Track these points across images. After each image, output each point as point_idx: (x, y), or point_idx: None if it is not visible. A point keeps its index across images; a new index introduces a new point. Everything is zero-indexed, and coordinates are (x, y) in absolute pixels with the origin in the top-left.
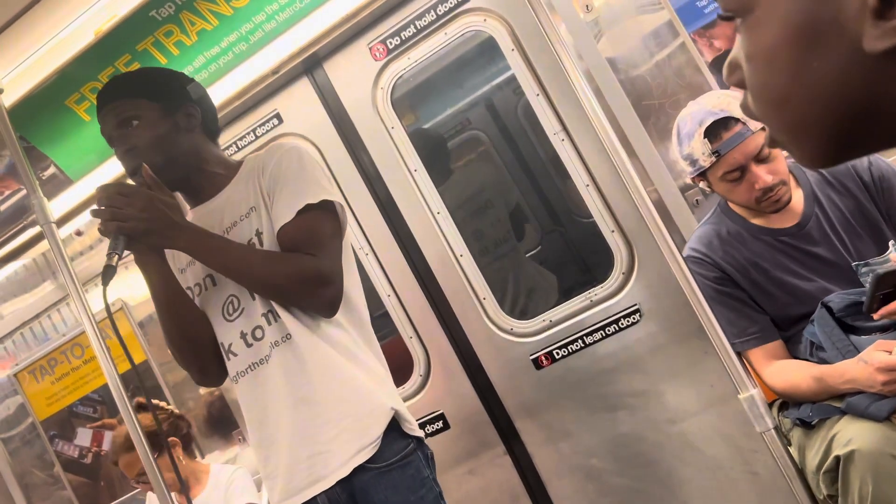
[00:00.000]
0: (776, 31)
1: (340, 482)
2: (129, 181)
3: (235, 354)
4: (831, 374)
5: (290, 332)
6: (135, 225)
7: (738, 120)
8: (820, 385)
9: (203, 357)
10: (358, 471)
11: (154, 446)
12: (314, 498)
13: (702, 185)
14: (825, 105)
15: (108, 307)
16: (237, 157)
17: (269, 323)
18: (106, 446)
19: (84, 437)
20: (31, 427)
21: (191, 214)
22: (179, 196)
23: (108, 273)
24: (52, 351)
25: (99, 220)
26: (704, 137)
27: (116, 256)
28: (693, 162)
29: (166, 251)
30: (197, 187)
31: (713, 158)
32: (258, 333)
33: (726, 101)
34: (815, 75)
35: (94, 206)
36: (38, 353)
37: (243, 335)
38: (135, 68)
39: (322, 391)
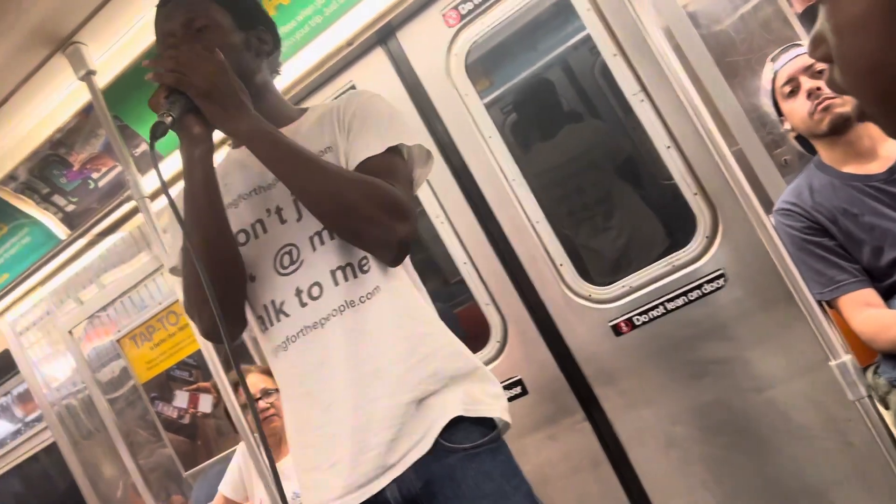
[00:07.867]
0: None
1: (417, 468)
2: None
3: (287, 315)
4: None
5: (381, 286)
6: (197, 82)
7: (800, 45)
8: None
9: (227, 300)
10: (440, 454)
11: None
12: (382, 490)
13: (783, 118)
14: None
15: (157, 168)
16: None
17: (346, 279)
18: (202, 408)
19: (181, 399)
20: (133, 389)
21: None
22: None
23: (157, 129)
24: (149, 319)
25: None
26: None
27: (170, 117)
28: (765, 93)
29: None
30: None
31: (771, 75)
32: (314, 291)
33: None
34: None
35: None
36: (137, 320)
37: (298, 292)
38: None
39: (401, 362)
